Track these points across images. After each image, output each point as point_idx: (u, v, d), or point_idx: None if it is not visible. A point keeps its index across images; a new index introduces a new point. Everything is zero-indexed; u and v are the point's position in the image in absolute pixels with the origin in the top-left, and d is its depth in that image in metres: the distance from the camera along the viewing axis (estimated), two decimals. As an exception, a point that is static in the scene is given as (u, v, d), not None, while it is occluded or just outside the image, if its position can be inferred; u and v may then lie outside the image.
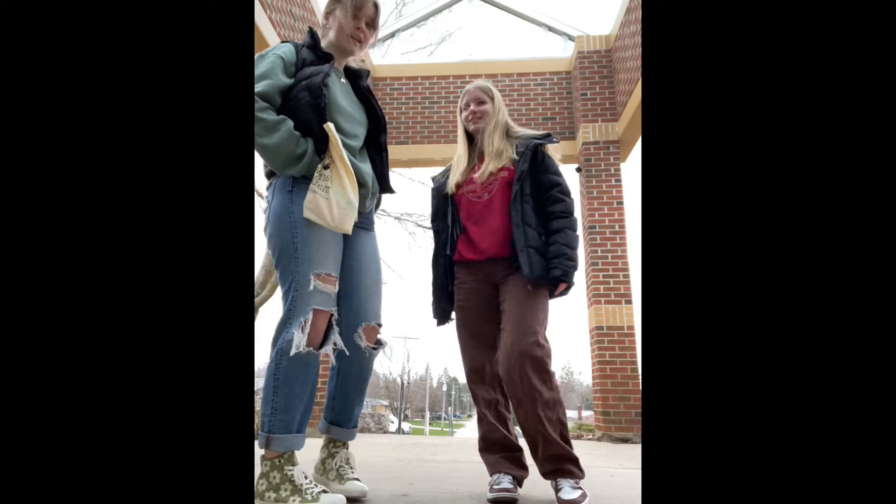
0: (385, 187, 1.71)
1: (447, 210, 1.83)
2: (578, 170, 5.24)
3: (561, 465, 1.57)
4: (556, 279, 1.62)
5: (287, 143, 1.44)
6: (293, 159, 1.46)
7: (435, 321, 1.87)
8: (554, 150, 1.80)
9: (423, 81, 5.86)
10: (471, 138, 1.89)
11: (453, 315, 1.84)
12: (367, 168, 1.63)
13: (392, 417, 27.44)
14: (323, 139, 1.48)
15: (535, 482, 1.80)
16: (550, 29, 6.08)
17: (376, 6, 1.66)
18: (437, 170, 2.06)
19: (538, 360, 1.55)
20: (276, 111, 1.48)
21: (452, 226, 1.80)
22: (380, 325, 1.65)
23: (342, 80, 1.68)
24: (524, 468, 1.69)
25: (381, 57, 6.12)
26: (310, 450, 1.77)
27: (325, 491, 1.37)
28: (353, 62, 1.76)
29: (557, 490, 1.54)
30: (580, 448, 3.75)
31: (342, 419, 1.63)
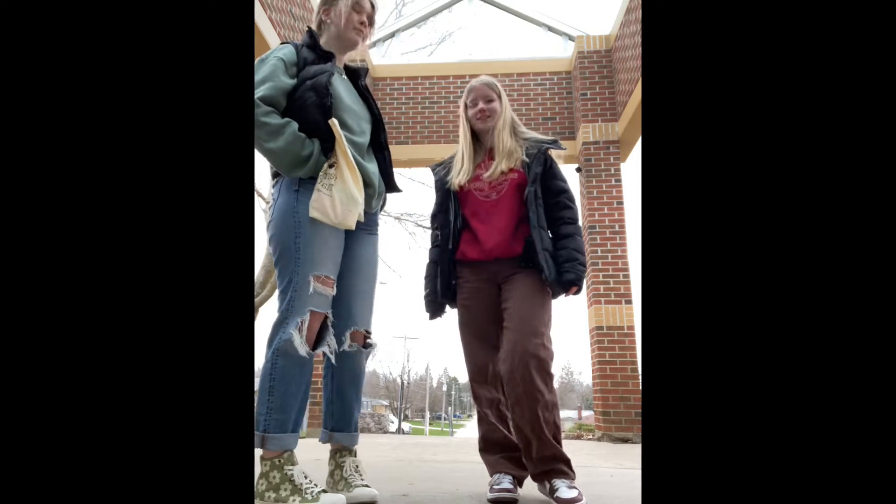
0: (391, 186, 1.71)
1: (450, 205, 1.82)
2: (578, 170, 5.24)
3: (554, 465, 1.57)
4: (568, 283, 1.65)
5: (293, 145, 1.44)
6: (300, 161, 1.46)
7: (427, 314, 1.86)
8: (557, 155, 1.80)
9: (423, 81, 5.86)
10: (474, 135, 1.88)
11: (447, 309, 1.84)
12: (373, 168, 1.63)
13: (392, 417, 27.44)
14: (330, 138, 1.48)
15: (535, 482, 1.80)
16: (550, 29, 6.09)
17: (372, 3, 1.68)
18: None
19: (543, 362, 1.56)
20: (282, 113, 1.48)
21: (455, 221, 1.80)
22: (368, 332, 1.64)
23: (343, 77, 1.69)
24: (524, 468, 1.69)
25: (380, 57, 6.12)
26: (308, 449, 1.77)
27: (324, 491, 1.37)
28: (351, 61, 1.77)
29: (553, 490, 1.54)
30: (580, 448, 3.75)
31: (343, 424, 1.62)
